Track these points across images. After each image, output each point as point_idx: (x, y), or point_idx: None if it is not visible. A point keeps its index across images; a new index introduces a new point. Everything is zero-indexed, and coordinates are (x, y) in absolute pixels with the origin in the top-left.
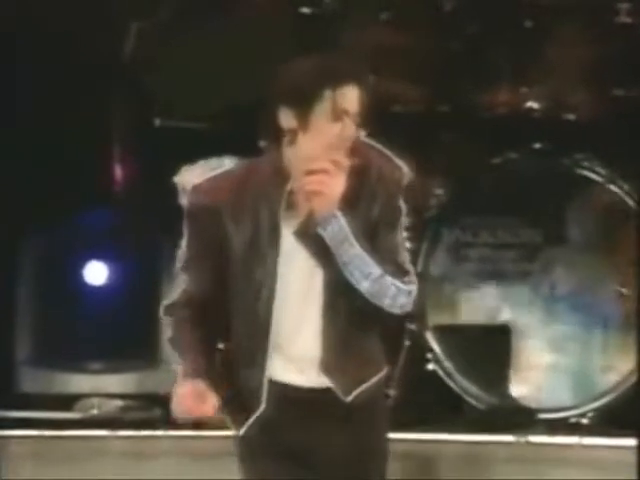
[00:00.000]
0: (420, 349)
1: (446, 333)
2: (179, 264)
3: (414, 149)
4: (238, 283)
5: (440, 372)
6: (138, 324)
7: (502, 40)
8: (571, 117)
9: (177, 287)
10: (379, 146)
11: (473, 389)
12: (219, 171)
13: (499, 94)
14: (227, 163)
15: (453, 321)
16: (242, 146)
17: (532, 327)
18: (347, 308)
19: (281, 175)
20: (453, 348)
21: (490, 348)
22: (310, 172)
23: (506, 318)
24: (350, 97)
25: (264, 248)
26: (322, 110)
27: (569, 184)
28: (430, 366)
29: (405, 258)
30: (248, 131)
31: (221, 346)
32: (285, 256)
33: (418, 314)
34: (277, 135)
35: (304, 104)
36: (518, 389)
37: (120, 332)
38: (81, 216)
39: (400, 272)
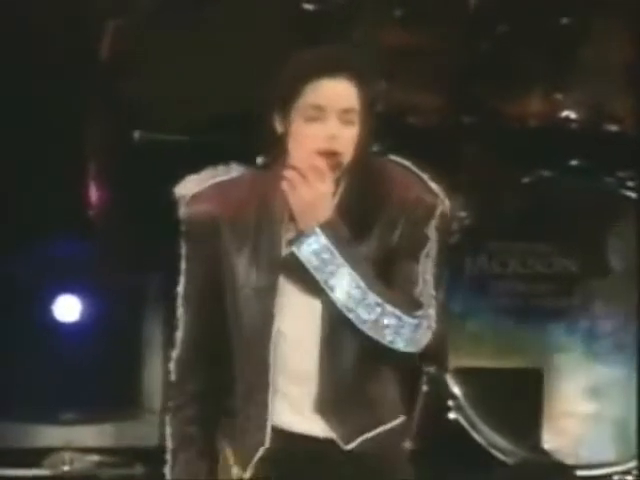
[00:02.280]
0: (440, 395)
1: (469, 377)
2: (179, 301)
3: (432, 165)
4: (236, 313)
5: (463, 421)
6: (116, 367)
7: (534, 40)
8: (614, 129)
9: (178, 337)
10: (409, 165)
11: (500, 441)
12: (220, 179)
13: (531, 102)
14: (234, 170)
15: (477, 364)
16: (233, 160)
17: (568, 370)
18: (348, 344)
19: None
20: (477, 394)
21: (520, 394)
22: (288, 169)
23: (538, 360)
24: (334, 92)
25: (264, 269)
26: (301, 109)
27: (611, 206)
28: (451, 415)
29: (423, 292)
30: (241, 144)
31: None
32: (283, 280)
33: (437, 355)
34: (276, 144)
35: (284, 104)
36: (552, 442)
37: (96, 377)
38: (50, 244)
39: (409, 304)
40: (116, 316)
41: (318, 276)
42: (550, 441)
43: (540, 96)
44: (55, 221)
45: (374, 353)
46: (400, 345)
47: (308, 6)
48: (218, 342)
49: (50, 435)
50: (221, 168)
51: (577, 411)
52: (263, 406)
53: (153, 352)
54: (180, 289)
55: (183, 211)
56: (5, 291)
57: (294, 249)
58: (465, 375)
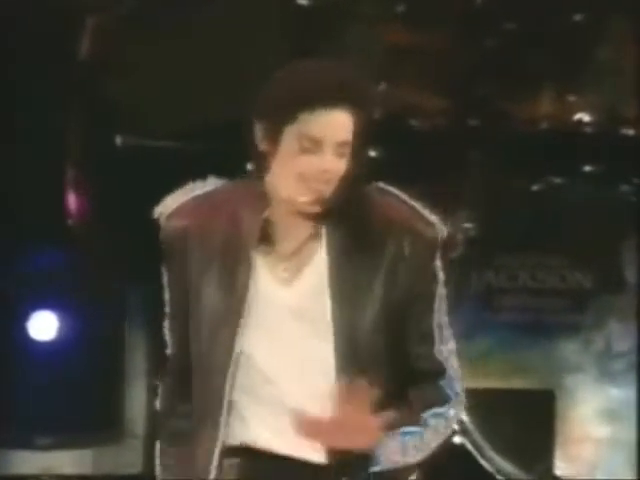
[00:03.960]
0: None
1: (476, 399)
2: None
3: (436, 172)
4: (197, 331)
5: (469, 446)
6: (96, 389)
7: (545, 38)
8: (629, 132)
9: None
10: (402, 195)
11: (509, 468)
12: (198, 192)
13: (541, 104)
14: (211, 183)
15: (484, 384)
16: (222, 168)
17: (582, 391)
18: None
19: (259, 200)
20: (484, 417)
21: (530, 417)
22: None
23: (549, 380)
24: (332, 124)
25: (229, 287)
26: (293, 135)
27: (627, 215)
28: (456, 439)
29: (443, 351)
30: (229, 150)
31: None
32: (258, 299)
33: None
34: (256, 155)
35: (274, 123)
36: (565, 468)
37: (74, 399)
38: (26, 256)
39: (436, 374)
40: (96, 334)
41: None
42: (563, 467)
43: (551, 98)
44: (32, 231)
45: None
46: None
47: (302, 1)
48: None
49: (25, 461)
50: (199, 182)
51: (591, 435)
52: (215, 430)
53: (136, 372)
54: (167, 312)
55: (160, 230)
56: None
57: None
58: (471, 396)
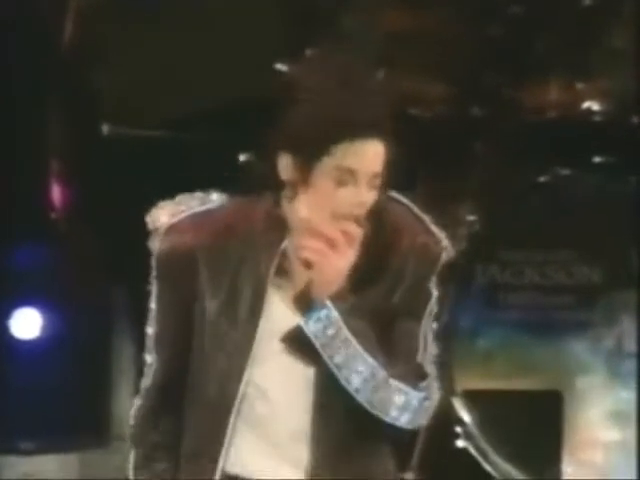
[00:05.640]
0: (446, 421)
1: (480, 401)
2: (148, 340)
3: (438, 164)
4: (201, 359)
5: (472, 450)
6: (81, 390)
7: (553, 23)
8: None
9: (146, 376)
10: (413, 207)
11: (514, 473)
12: (202, 209)
13: (548, 92)
14: (215, 199)
15: (489, 385)
16: (213, 160)
17: (591, 393)
18: (342, 412)
19: (277, 227)
20: (489, 420)
21: (536, 420)
22: (311, 235)
23: (556, 381)
24: (368, 155)
25: (240, 319)
26: (327, 168)
27: (637, 208)
28: (459, 443)
29: (426, 358)
30: (221, 141)
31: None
32: (271, 332)
33: (444, 376)
34: (275, 184)
35: (306, 156)
36: (573, 473)
37: (58, 401)
38: (8, 251)
39: (414, 375)
40: (81, 332)
41: (324, 353)
42: (571, 472)
43: (559, 85)
44: (13, 225)
45: (370, 424)
46: (403, 421)
47: None
48: (183, 390)
49: (7, 466)
50: (198, 195)
51: (600, 439)
52: (213, 463)
53: (122, 373)
54: (150, 331)
55: (157, 245)
56: None
57: (302, 324)
58: (475, 398)
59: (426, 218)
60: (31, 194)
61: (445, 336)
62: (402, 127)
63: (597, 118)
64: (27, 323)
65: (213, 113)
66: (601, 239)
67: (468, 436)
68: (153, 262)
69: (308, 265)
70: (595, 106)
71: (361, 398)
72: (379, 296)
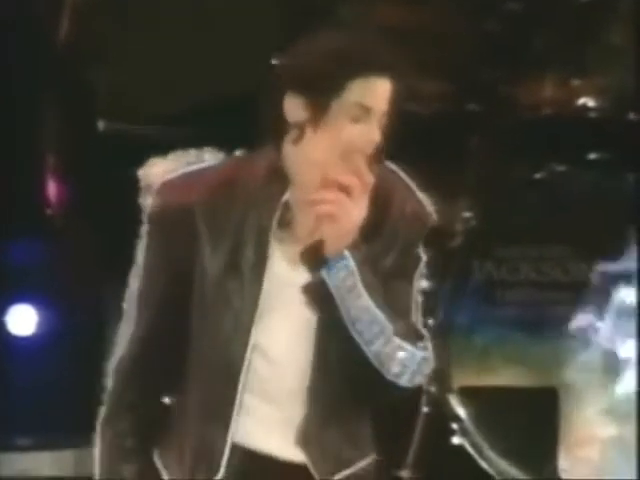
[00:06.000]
0: (442, 417)
1: (475, 397)
2: (129, 296)
3: (434, 159)
4: (205, 319)
5: (468, 447)
6: (77, 387)
7: (549, 18)
8: (636, 118)
9: (122, 336)
10: (401, 173)
11: (511, 470)
12: (198, 167)
13: (544, 88)
14: (208, 157)
15: (485, 382)
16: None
17: (588, 390)
18: (342, 372)
19: (278, 180)
20: (485, 416)
21: (533, 417)
22: (324, 185)
23: (553, 378)
24: (380, 92)
25: (244, 276)
26: (342, 105)
27: (635, 205)
28: (455, 439)
29: (418, 319)
30: (215, 135)
31: (168, 400)
32: (272, 288)
33: (439, 373)
34: (279, 129)
35: (321, 94)
36: (569, 470)
37: (55, 397)
38: (4, 248)
39: (413, 335)
40: (78, 329)
41: (342, 305)
42: (567, 470)
43: (555, 82)
44: (8, 221)
45: (369, 384)
46: (404, 379)
47: None
48: (176, 349)
49: (2, 463)
50: (193, 152)
51: (597, 435)
52: (224, 427)
53: None
54: (135, 284)
55: (151, 201)
56: None
57: (324, 275)
58: (471, 395)
59: (413, 185)
60: (27, 190)
61: (441, 332)
62: (399, 123)
63: (593, 114)
64: (23, 319)
65: (210, 109)
66: (597, 236)
67: (464, 433)
68: (145, 218)
69: (328, 218)
70: (591, 102)
71: (371, 352)
72: (376, 255)
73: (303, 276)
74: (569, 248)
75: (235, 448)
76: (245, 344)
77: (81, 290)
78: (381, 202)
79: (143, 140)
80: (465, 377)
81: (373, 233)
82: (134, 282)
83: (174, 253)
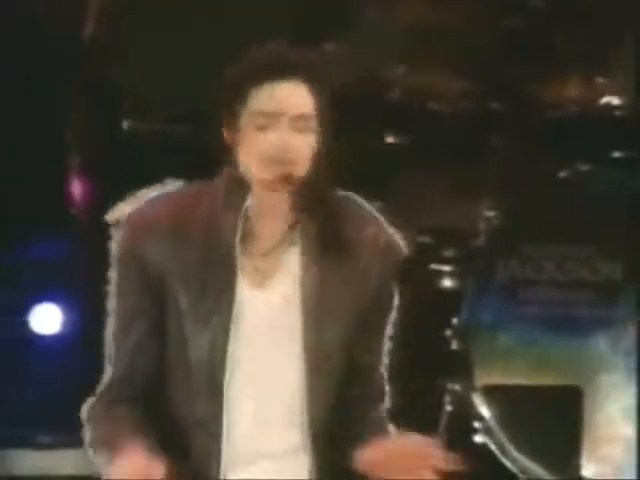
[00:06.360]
0: (466, 416)
1: (499, 396)
2: (108, 338)
3: (457, 158)
4: (178, 343)
5: (491, 445)
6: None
7: (573, 15)
8: None
9: (106, 373)
10: (369, 208)
11: (533, 468)
12: (157, 194)
13: (568, 87)
14: (171, 186)
15: (508, 381)
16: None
17: (611, 389)
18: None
19: (237, 191)
20: (508, 415)
21: (556, 415)
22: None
23: (577, 377)
24: (285, 97)
25: (214, 293)
26: (247, 115)
27: None
28: (478, 438)
29: (384, 372)
30: None
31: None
32: (244, 304)
33: (463, 372)
34: (226, 143)
35: (227, 108)
36: (592, 469)
37: (77, 396)
38: (28, 246)
39: (382, 398)
40: (101, 328)
41: None
42: (590, 468)
43: (579, 80)
44: (34, 220)
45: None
46: None
47: None
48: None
49: (24, 461)
50: (155, 187)
51: (621, 434)
52: (217, 442)
53: None
54: (111, 326)
55: (119, 234)
56: None
57: None
58: (494, 393)
59: (381, 219)
60: (52, 189)
61: (465, 331)
62: (423, 123)
63: (619, 113)
64: (47, 318)
65: None
66: (622, 234)
67: (487, 432)
68: (113, 261)
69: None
70: (616, 100)
71: None
72: (351, 293)
73: (259, 291)
74: (593, 247)
75: None
76: (223, 359)
77: (105, 289)
78: (350, 237)
79: (167, 139)
80: (489, 376)
81: (343, 269)
82: (111, 321)
83: (146, 280)
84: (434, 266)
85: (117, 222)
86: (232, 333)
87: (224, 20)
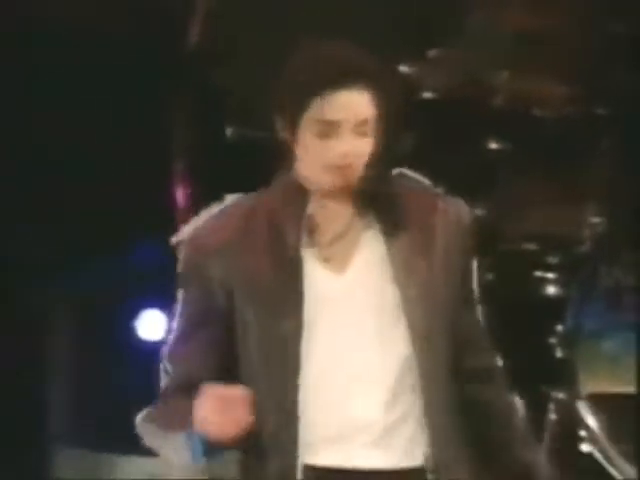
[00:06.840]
0: (571, 425)
1: (605, 404)
2: (166, 349)
3: (562, 163)
4: (250, 348)
5: (597, 455)
6: None
7: None
8: None
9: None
10: (426, 181)
11: None
12: (215, 211)
13: None
14: (228, 201)
15: (614, 389)
16: None
17: None
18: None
19: (299, 196)
20: (614, 424)
21: None
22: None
23: None
24: (343, 104)
25: (282, 295)
26: (308, 123)
27: None
28: (584, 447)
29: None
30: None
31: None
32: (316, 300)
33: (568, 380)
34: (283, 147)
35: (287, 114)
36: None
37: None
38: (131, 252)
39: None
40: None
41: None
42: None
43: None
44: (138, 226)
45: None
46: None
47: None
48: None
49: (132, 467)
50: (215, 204)
51: None
52: (293, 446)
53: None
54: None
55: (184, 255)
56: (83, 306)
57: None
58: (600, 402)
59: (437, 189)
60: (155, 195)
61: (570, 339)
62: (527, 129)
63: None
64: (153, 324)
65: None
66: None
67: (593, 440)
68: (178, 276)
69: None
70: None
71: None
72: (438, 262)
73: (336, 276)
74: None
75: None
76: (297, 362)
77: None
78: (416, 209)
79: (269, 146)
80: (594, 384)
81: (423, 243)
82: (173, 333)
83: (206, 299)
84: (538, 273)
85: (180, 243)
86: (305, 335)
87: (331, 27)
